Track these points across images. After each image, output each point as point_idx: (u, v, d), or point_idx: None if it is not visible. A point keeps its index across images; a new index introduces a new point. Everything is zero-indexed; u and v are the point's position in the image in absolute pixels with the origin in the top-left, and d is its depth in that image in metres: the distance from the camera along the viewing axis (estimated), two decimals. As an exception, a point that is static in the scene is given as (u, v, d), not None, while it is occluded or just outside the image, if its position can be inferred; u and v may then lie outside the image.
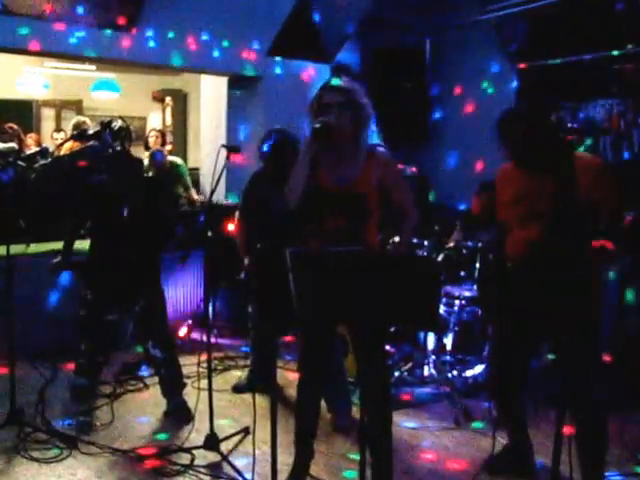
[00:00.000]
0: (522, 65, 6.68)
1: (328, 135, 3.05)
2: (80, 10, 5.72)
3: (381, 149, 3.19)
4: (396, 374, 4.77)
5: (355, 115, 3.10)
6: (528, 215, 3.20)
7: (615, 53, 5.81)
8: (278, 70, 7.05)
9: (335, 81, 3.20)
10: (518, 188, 3.27)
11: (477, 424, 4.24)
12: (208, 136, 8.07)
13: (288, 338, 5.16)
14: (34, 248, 5.36)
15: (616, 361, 4.06)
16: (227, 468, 3.59)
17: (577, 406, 3.12)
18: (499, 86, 7.00)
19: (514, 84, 6.81)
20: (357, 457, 2.68)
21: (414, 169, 6.00)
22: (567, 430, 2.66)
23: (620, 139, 5.95)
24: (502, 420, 3.64)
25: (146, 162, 6.98)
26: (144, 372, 4.96)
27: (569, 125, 3.17)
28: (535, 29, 6.36)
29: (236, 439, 3.92)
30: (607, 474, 3.37)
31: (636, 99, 5.85)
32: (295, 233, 3.27)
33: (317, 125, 3.04)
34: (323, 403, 3.77)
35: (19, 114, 9.25)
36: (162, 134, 7.91)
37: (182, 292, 6.16)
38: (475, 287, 4.92)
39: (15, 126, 6.97)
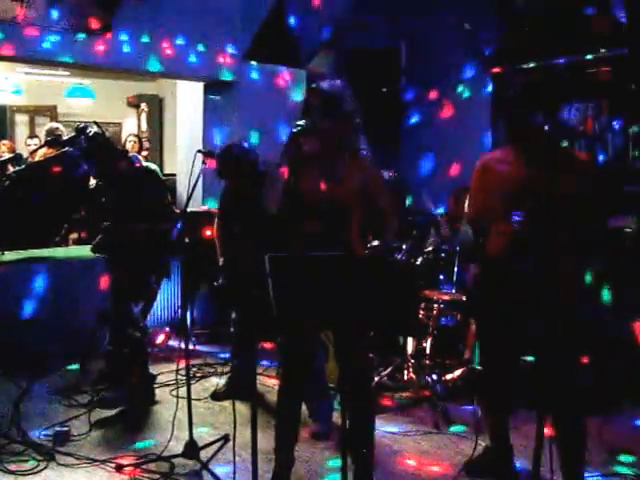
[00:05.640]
0: (496, 69, 6.72)
1: (305, 139, 3.04)
2: (54, 15, 5.66)
3: (363, 153, 3.19)
4: (376, 379, 4.76)
5: (337, 119, 3.10)
6: (513, 206, 3.19)
7: (588, 57, 5.88)
8: (254, 75, 7.03)
9: (320, 84, 3.20)
10: (507, 176, 3.25)
11: (457, 428, 4.25)
12: (184, 142, 8.02)
13: (268, 345, 5.14)
14: (9, 256, 5.29)
15: (594, 362, 4.09)
16: (207, 476, 3.55)
17: (557, 407, 3.13)
18: (474, 90, 7.05)
19: (489, 88, 6.86)
20: (338, 463, 2.66)
21: (391, 173, 6.02)
22: (547, 431, 2.67)
23: (594, 142, 6.01)
24: (485, 421, 3.65)
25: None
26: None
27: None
28: (509, 33, 6.41)
29: (216, 447, 3.89)
30: (587, 475, 3.39)
31: (609, 102, 5.92)
32: (276, 237, 3.26)
33: (295, 129, 3.03)
34: (304, 409, 3.76)
35: (-8, 120, 9.16)
36: (139, 139, 7.87)
37: (160, 299, 6.10)
38: (453, 290, 4.93)
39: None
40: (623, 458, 3.79)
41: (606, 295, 4.55)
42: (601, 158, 5.92)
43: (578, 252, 3.14)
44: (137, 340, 4.45)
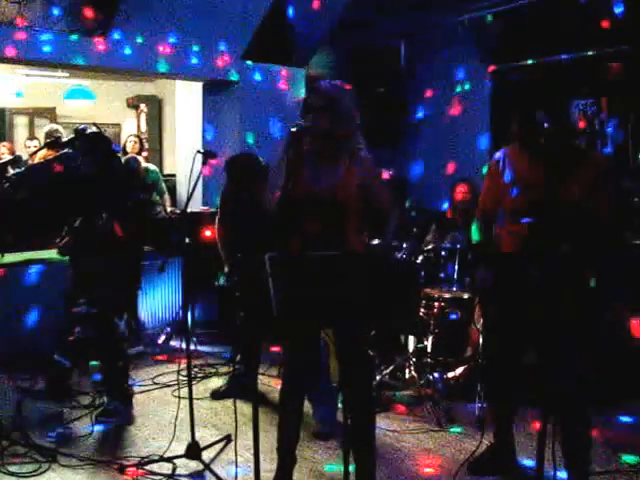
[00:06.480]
0: (496, 67, 6.72)
1: (303, 139, 3.04)
2: (52, 17, 5.66)
3: (362, 151, 3.19)
4: (377, 377, 4.75)
5: (335, 120, 3.09)
6: (522, 205, 3.18)
7: (589, 54, 5.87)
8: (253, 75, 7.03)
9: (320, 84, 3.19)
10: (517, 173, 3.25)
11: (459, 426, 4.25)
12: (184, 142, 8.02)
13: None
14: (9, 258, 5.29)
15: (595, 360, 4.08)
16: (209, 477, 3.55)
17: (561, 405, 3.12)
18: (473, 88, 7.05)
19: (488, 86, 6.85)
20: (340, 462, 2.66)
21: (391, 172, 6.01)
22: (539, 426, 2.65)
23: (594, 139, 6.01)
24: (489, 417, 3.65)
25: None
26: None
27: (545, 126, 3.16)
28: (508, 30, 6.39)
29: (218, 447, 3.89)
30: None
31: (609, 99, 5.91)
32: (274, 237, 3.26)
33: (293, 128, 3.03)
34: (307, 407, 3.75)
35: (-9, 123, 9.17)
36: (140, 140, 7.88)
37: (161, 300, 6.11)
38: (454, 288, 4.92)
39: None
40: (626, 457, 3.78)
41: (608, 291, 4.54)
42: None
43: (586, 255, 3.13)
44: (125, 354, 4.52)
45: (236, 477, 3.31)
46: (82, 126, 4.45)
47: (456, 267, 4.88)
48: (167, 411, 4.41)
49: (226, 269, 4.73)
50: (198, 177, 3.61)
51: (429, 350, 4.91)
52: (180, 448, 3.70)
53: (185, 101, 7.99)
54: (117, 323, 4.38)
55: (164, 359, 5.52)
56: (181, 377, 4.42)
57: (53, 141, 5.74)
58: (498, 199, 3.38)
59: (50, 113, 10.22)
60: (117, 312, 4.43)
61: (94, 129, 4.42)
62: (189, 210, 3.93)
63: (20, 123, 10.34)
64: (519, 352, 3.41)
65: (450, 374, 4.82)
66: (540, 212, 3.04)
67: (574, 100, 6.06)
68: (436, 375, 4.73)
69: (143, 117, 10.68)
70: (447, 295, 4.89)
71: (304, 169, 3.13)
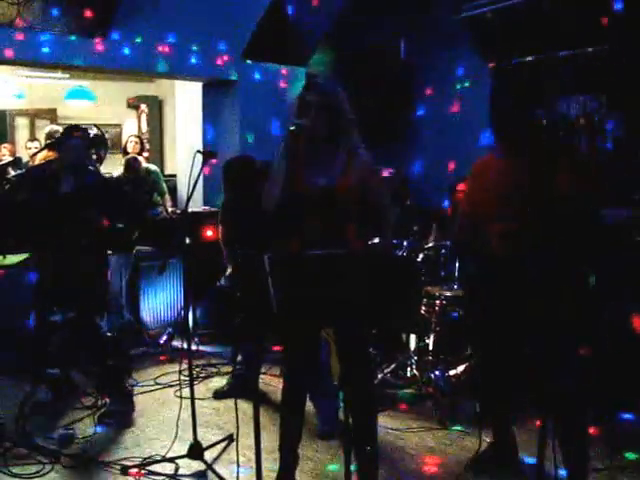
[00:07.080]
0: (496, 63, 6.71)
1: (302, 138, 3.04)
2: (51, 17, 5.67)
3: (361, 151, 3.18)
4: (379, 376, 4.76)
5: (333, 118, 3.09)
6: (505, 205, 3.19)
7: (588, 50, 5.87)
8: (253, 74, 7.03)
9: (317, 82, 3.19)
10: (498, 176, 3.25)
11: (461, 424, 4.24)
12: (184, 142, 8.03)
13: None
14: (10, 259, 5.29)
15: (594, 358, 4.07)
16: (212, 477, 3.56)
17: (561, 403, 3.12)
18: (473, 85, 7.04)
19: (488, 83, 6.84)
20: (342, 461, 2.66)
21: (391, 170, 6.00)
22: (539, 424, 2.64)
23: (593, 135, 6.01)
24: (488, 417, 3.65)
25: (122, 169, 6.95)
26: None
27: (543, 122, 3.16)
28: (509, 27, 6.38)
29: (220, 447, 3.89)
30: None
31: (609, 96, 5.91)
32: (273, 236, 3.26)
33: (292, 127, 3.03)
34: (309, 406, 3.75)
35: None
36: (140, 140, 7.89)
37: (162, 300, 6.11)
38: (455, 286, 4.92)
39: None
40: (627, 454, 3.78)
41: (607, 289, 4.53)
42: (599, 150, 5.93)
43: (575, 251, 3.12)
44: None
45: (238, 477, 3.31)
46: (83, 127, 4.45)
47: (457, 265, 4.89)
48: (169, 411, 4.42)
49: (229, 270, 4.73)
50: (198, 177, 3.61)
51: (431, 348, 4.91)
52: (182, 448, 3.70)
53: (185, 101, 7.99)
54: (100, 323, 4.36)
55: (166, 359, 5.53)
56: (183, 377, 4.42)
57: (54, 142, 5.75)
58: (483, 200, 3.37)
59: (51, 114, 10.23)
60: (100, 311, 4.41)
61: (95, 130, 4.42)
62: (190, 210, 3.94)
63: (21, 124, 10.35)
64: (517, 350, 3.41)
65: (452, 372, 4.81)
66: (531, 210, 3.04)
67: (573, 96, 6.07)
68: (438, 373, 4.72)
69: (144, 117, 10.69)
70: (448, 293, 4.89)
71: (303, 168, 3.13)
